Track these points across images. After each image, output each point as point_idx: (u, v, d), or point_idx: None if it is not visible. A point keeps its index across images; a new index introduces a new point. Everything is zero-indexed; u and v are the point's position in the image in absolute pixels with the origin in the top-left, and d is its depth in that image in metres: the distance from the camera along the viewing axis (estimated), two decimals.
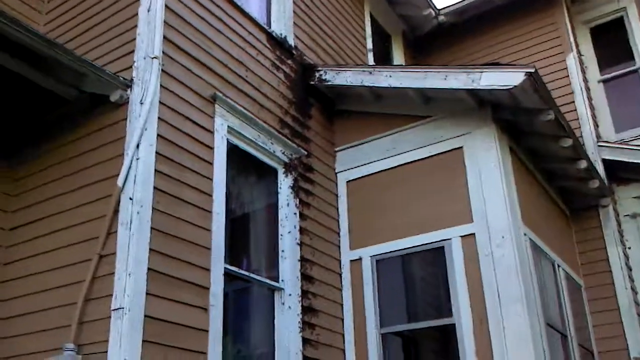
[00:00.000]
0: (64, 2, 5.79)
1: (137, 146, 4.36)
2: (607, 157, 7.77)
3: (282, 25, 6.63)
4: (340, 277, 6.05)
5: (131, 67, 4.77)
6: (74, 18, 5.58)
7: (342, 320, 5.87)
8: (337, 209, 6.35)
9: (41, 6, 5.99)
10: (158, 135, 4.52)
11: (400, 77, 5.95)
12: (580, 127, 8.00)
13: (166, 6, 4.97)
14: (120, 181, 4.28)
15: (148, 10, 4.89)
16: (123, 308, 3.85)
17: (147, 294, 3.98)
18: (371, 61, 8.44)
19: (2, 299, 4.70)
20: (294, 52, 6.57)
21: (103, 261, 4.15)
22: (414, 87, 5.89)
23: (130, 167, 4.31)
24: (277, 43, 6.36)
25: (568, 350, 5.97)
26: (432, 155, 5.96)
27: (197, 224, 4.59)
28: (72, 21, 5.59)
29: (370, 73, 6.18)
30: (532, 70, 5.20)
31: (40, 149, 5.10)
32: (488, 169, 5.54)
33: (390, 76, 6.02)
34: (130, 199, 4.20)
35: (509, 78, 5.30)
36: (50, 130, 5.10)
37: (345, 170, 6.47)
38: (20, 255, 4.77)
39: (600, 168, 7.65)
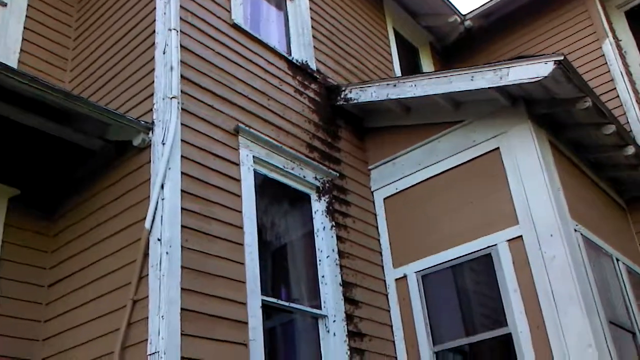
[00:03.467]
0: (86, 58, 5.93)
1: (162, 186, 4.36)
2: None
3: (302, 51, 6.60)
4: (387, 297, 5.85)
5: (151, 109, 4.81)
6: (97, 71, 5.71)
7: (393, 342, 5.65)
8: (377, 227, 6.19)
9: (65, 64, 6.15)
10: (182, 173, 4.50)
11: (425, 85, 5.79)
12: (625, 113, 7.63)
13: (181, 46, 5.01)
14: (147, 223, 4.27)
15: (164, 52, 4.93)
16: (158, 352, 3.79)
17: (182, 334, 3.92)
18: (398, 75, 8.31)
19: (45, 356, 4.71)
20: (316, 75, 6.52)
21: (137, 306, 4.11)
22: (440, 93, 5.71)
23: (156, 208, 4.30)
24: (299, 69, 6.32)
25: (639, 348, 5.57)
26: (468, 161, 5.75)
27: (229, 258, 4.52)
28: (95, 74, 5.72)
29: (395, 85, 6.05)
30: (561, 58, 4.97)
31: (73, 202, 5.17)
32: (528, 166, 5.29)
33: (415, 85, 5.87)
34: (159, 239, 4.17)
35: (537, 69, 5.07)
36: (81, 183, 5.18)
37: (381, 188, 6.32)
38: (58, 311, 4.80)
39: None
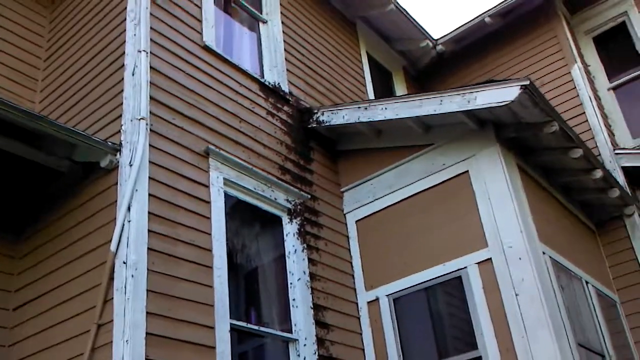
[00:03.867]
0: (56, 78, 5.89)
1: (129, 208, 4.30)
2: (626, 165, 7.47)
3: (274, 73, 6.62)
4: (359, 320, 5.82)
5: (119, 131, 4.77)
6: (67, 91, 5.67)
7: None
8: (349, 250, 6.17)
9: (35, 85, 6.09)
10: (150, 195, 4.46)
11: (396, 107, 5.84)
12: (594, 137, 7.75)
13: (151, 67, 4.99)
14: (113, 246, 4.20)
15: (133, 74, 4.91)
16: None
17: (147, 359, 3.83)
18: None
19: None
20: (289, 98, 6.53)
21: (101, 330, 4.04)
22: (410, 117, 5.76)
23: (122, 231, 4.24)
24: (271, 91, 6.33)
25: None
26: (438, 184, 5.78)
27: (196, 281, 4.46)
28: (65, 95, 5.67)
29: (366, 108, 6.08)
30: (527, 82, 5.05)
31: (40, 224, 5.09)
32: (496, 189, 5.33)
33: (386, 108, 5.91)
34: (124, 262, 4.11)
35: (504, 94, 5.14)
36: (48, 204, 5.11)
37: (353, 210, 6.32)
38: (24, 335, 4.69)
39: (620, 176, 7.35)
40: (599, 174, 6.28)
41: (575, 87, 8.22)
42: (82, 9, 5.98)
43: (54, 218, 4.97)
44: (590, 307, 5.87)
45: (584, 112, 7.99)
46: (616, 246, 7.16)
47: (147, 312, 3.98)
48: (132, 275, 4.03)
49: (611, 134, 8.10)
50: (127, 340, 3.81)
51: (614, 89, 8.56)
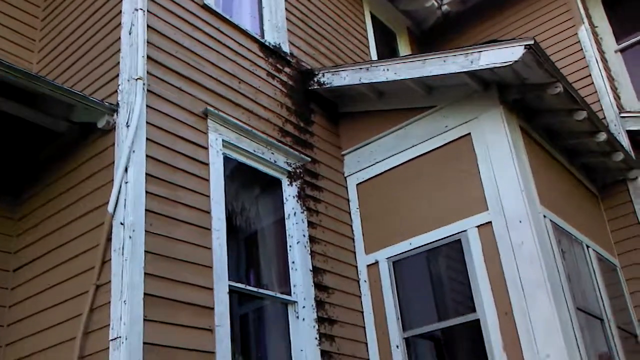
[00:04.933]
0: (53, 38, 5.80)
1: (126, 169, 4.27)
2: (631, 128, 7.37)
3: (275, 33, 6.50)
4: (358, 283, 5.83)
5: (116, 91, 4.70)
6: (64, 52, 5.58)
7: (364, 328, 5.63)
8: (349, 213, 6.15)
9: (33, 45, 6.01)
10: (147, 156, 4.41)
11: (398, 68, 5.74)
12: (599, 100, 7.62)
13: (148, 26, 4.89)
14: (110, 207, 4.18)
15: (130, 33, 4.82)
16: (120, 337, 3.72)
17: (145, 320, 3.85)
18: None
19: (10, 341, 4.63)
20: (290, 59, 6.43)
21: (100, 291, 4.04)
22: (412, 78, 5.66)
23: (119, 192, 4.21)
24: (271, 52, 6.23)
25: (607, 334, 5.61)
26: (440, 146, 5.71)
27: (195, 242, 4.45)
28: (61, 55, 5.59)
29: (367, 69, 5.99)
30: (532, 42, 4.94)
31: (39, 185, 5.07)
32: (498, 152, 5.27)
33: (388, 69, 5.81)
34: (122, 223, 4.09)
35: (508, 54, 5.04)
36: (46, 165, 5.08)
37: (354, 173, 6.27)
38: (23, 295, 4.71)
39: (625, 140, 7.25)
40: (603, 136, 6.20)
41: (581, 49, 8.06)
42: None
43: (52, 179, 4.95)
44: (590, 271, 5.87)
45: (590, 74, 7.85)
46: (618, 210, 7.11)
47: (145, 273, 3.98)
48: (130, 237, 4.02)
49: (617, 97, 7.97)
50: (125, 301, 3.81)
51: (622, 51, 8.39)
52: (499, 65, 5.08)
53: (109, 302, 3.92)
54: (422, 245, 5.52)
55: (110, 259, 4.07)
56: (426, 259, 5.58)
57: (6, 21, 5.80)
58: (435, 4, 9.29)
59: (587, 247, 6.01)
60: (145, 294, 3.92)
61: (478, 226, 5.19)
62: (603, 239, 6.76)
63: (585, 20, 8.26)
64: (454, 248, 5.35)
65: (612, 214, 7.15)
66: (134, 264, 3.95)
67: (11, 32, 5.82)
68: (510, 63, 5.01)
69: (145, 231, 4.13)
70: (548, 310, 4.61)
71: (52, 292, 4.48)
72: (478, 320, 4.97)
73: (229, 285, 4.55)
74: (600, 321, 5.60)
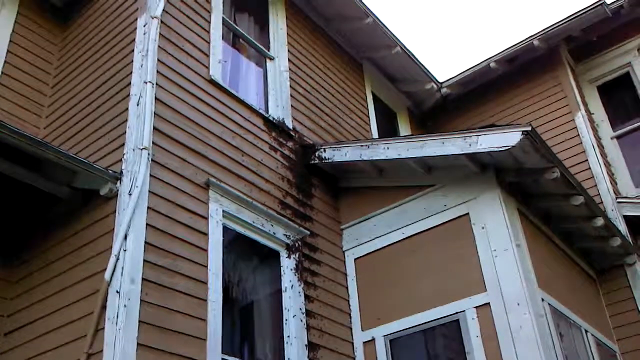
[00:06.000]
0: (62, 105, 5.93)
1: (125, 237, 4.28)
2: (628, 213, 7.44)
3: (279, 109, 6.67)
4: None
5: (121, 159, 4.78)
6: (71, 119, 5.70)
7: None
8: (347, 288, 6.12)
9: (41, 111, 6.14)
10: (147, 224, 4.44)
11: (398, 147, 5.85)
12: (596, 185, 7.74)
13: (156, 99, 5.03)
14: (107, 275, 4.17)
15: (137, 104, 4.94)
16: None
17: None
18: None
19: None
20: (292, 133, 6.57)
21: None
22: (412, 157, 5.77)
23: (117, 260, 4.21)
24: (275, 126, 6.37)
25: None
26: (438, 225, 5.75)
27: (191, 314, 4.41)
28: (69, 122, 5.70)
29: (368, 147, 6.10)
30: (529, 128, 5.06)
31: (37, 249, 5.06)
32: (496, 233, 5.30)
33: (388, 148, 5.93)
34: (117, 292, 4.07)
35: (506, 139, 5.15)
36: (47, 229, 5.09)
37: (352, 248, 6.28)
38: None
39: (622, 225, 7.31)
40: (600, 222, 6.25)
41: (578, 135, 8.26)
42: (91, 39, 6.07)
43: (50, 244, 4.95)
44: (589, 356, 5.77)
45: (587, 160, 8.01)
46: (617, 295, 7.08)
47: (138, 343, 3.93)
48: (125, 305, 3.99)
49: (614, 183, 8.09)
50: None
51: (618, 137, 8.59)
52: (497, 150, 5.19)
53: None
54: (420, 324, 5.45)
55: (104, 328, 4.02)
56: (424, 337, 5.50)
57: (16, 86, 5.95)
58: (435, 86, 9.56)
59: (586, 331, 5.95)
60: None
61: (476, 307, 5.15)
62: (602, 324, 6.69)
63: (582, 106, 8.49)
64: (452, 328, 5.29)
65: (610, 298, 7.11)
66: (127, 334, 3.90)
67: (20, 97, 5.95)
68: (508, 148, 5.12)
69: (141, 300, 4.11)
70: None
71: (44, 358, 4.39)
72: None
73: (222, 359, 4.47)
74: None
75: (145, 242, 4.34)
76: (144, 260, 4.27)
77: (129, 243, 4.25)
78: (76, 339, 4.22)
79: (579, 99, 8.58)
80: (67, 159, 4.57)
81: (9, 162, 4.51)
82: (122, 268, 4.15)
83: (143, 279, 4.19)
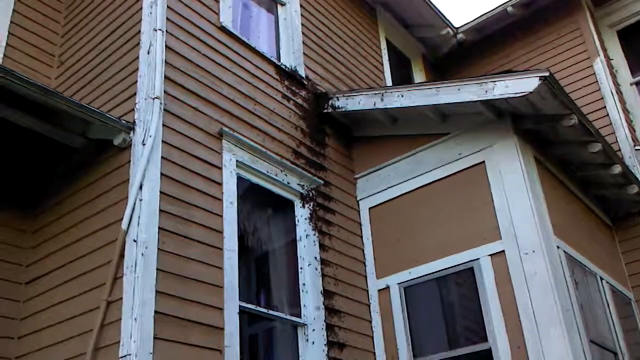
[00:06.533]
0: (72, 55, 5.87)
1: (140, 187, 4.29)
2: None
3: (291, 57, 6.56)
4: (369, 307, 5.79)
5: (133, 109, 4.74)
6: (82, 68, 5.64)
7: (374, 353, 5.58)
8: (361, 237, 6.13)
9: (52, 61, 6.08)
10: (162, 174, 4.43)
11: (412, 95, 5.76)
12: (614, 132, 7.62)
13: (167, 47, 4.95)
14: (124, 224, 4.19)
15: (148, 52, 4.87)
16: (130, 355, 3.70)
17: (155, 338, 3.84)
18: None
19: (20, 354, 4.62)
20: (305, 82, 6.48)
21: (111, 307, 4.03)
22: (427, 105, 5.68)
23: (133, 209, 4.22)
24: (287, 75, 6.28)
25: None
26: (453, 174, 5.71)
27: (207, 262, 4.45)
28: (80, 72, 5.65)
29: (382, 95, 6.01)
30: (547, 74, 4.94)
31: (54, 199, 5.09)
32: (512, 181, 5.26)
33: (402, 96, 5.84)
34: (135, 241, 4.10)
35: (523, 84, 5.05)
36: (62, 180, 5.10)
37: (366, 197, 6.27)
38: (35, 309, 4.70)
39: (639, 172, 7.22)
40: (617, 169, 6.17)
41: (596, 81, 8.08)
42: None
43: (66, 194, 4.97)
44: (604, 303, 5.80)
45: (605, 107, 7.86)
46: (633, 243, 7.06)
47: (156, 291, 3.98)
48: (143, 254, 4.02)
49: (632, 130, 7.96)
50: (135, 318, 3.80)
51: (637, 84, 8.40)
52: (514, 96, 5.09)
53: (120, 319, 3.91)
54: (434, 272, 5.49)
55: (123, 276, 4.06)
56: (438, 285, 5.53)
57: (26, 36, 5.88)
58: (451, 32, 9.35)
59: (601, 279, 5.96)
60: (156, 312, 3.91)
61: (491, 255, 5.16)
62: (617, 272, 6.69)
63: (601, 52, 8.28)
64: (467, 276, 5.31)
65: (626, 246, 7.09)
66: (145, 282, 3.94)
67: (30, 47, 5.89)
68: (525, 94, 5.02)
69: (158, 249, 4.14)
70: (561, 342, 4.54)
71: (63, 307, 4.47)
72: (489, 350, 4.92)
73: (240, 306, 4.53)
74: (614, 354, 5.52)
75: (161, 192, 4.35)
76: (160, 210, 4.28)
77: (144, 192, 4.25)
78: (95, 287, 4.28)
79: (597, 44, 8.37)
80: (80, 109, 4.53)
81: (23, 113, 4.49)
82: (139, 217, 4.17)
83: (159, 228, 4.21)
